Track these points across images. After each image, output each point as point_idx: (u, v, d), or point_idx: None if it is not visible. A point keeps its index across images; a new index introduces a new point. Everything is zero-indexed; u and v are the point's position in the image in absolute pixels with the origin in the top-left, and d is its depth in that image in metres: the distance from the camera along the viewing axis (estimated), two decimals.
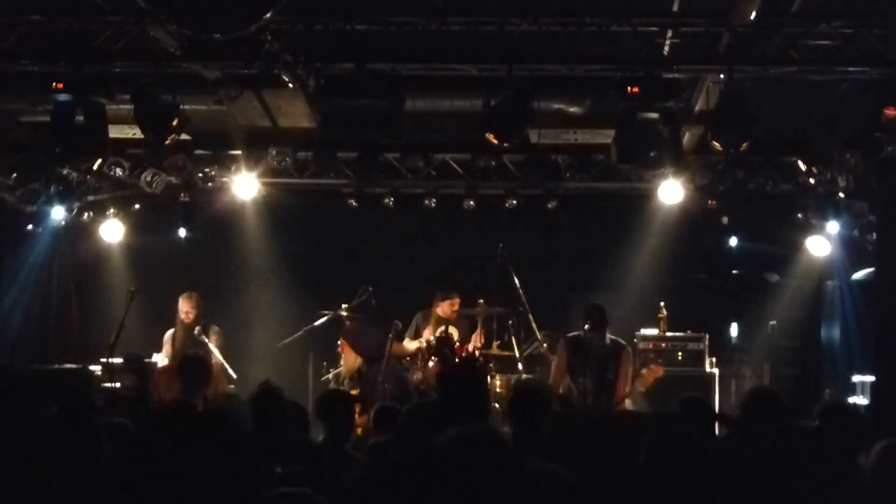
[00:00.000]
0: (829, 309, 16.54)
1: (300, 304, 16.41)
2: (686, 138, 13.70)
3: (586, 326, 12.17)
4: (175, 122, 11.40)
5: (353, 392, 11.57)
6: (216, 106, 12.62)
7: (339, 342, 12.32)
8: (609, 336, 12.30)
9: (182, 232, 16.15)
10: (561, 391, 12.11)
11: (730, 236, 15.94)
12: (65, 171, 14.76)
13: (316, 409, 8.38)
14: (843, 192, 14.28)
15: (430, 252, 16.88)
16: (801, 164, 14.57)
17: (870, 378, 14.25)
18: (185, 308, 14.29)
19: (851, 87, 11.94)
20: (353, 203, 16.14)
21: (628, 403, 12.42)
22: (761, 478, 5.44)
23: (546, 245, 16.72)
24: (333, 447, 7.78)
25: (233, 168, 15.50)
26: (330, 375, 14.92)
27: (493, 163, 15.33)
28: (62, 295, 16.80)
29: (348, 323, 14.20)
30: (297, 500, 4.34)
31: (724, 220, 15.56)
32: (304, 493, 4.36)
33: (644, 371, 12.85)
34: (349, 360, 12.16)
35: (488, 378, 14.63)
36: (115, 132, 12.41)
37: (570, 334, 12.60)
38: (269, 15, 8.69)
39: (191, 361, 10.85)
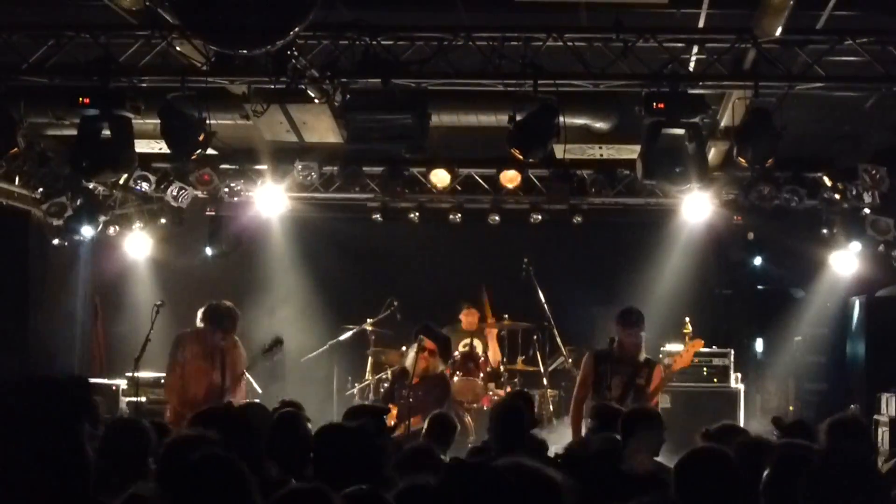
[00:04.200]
0: (855, 325, 16.48)
1: (325, 318, 16.46)
2: (711, 154, 13.67)
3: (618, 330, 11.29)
4: (201, 137, 11.42)
5: (392, 407, 11.61)
6: (242, 121, 12.65)
7: (421, 340, 12.14)
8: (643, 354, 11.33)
9: (208, 247, 16.19)
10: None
11: (755, 253, 15.86)
12: (91, 186, 14.81)
13: None
14: (869, 208, 14.22)
15: (454, 267, 16.88)
16: (826, 179, 14.53)
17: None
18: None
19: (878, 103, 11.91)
20: (379, 217, 16.17)
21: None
22: None
23: (571, 260, 16.70)
24: None
25: (259, 182, 15.55)
26: (355, 390, 14.94)
27: (519, 178, 15.25)
28: (88, 309, 16.85)
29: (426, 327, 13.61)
30: (310, 496, 4.28)
31: (750, 235, 15.45)
32: (318, 488, 4.30)
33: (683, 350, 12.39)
34: (432, 364, 12.19)
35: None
36: (141, 146, 12.47)
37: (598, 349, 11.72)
38: (295, 30, 8.70)
39: None
